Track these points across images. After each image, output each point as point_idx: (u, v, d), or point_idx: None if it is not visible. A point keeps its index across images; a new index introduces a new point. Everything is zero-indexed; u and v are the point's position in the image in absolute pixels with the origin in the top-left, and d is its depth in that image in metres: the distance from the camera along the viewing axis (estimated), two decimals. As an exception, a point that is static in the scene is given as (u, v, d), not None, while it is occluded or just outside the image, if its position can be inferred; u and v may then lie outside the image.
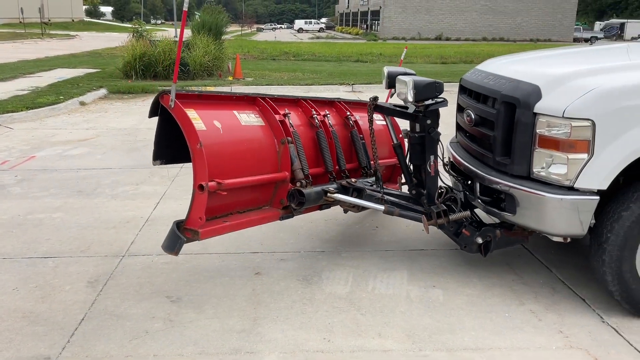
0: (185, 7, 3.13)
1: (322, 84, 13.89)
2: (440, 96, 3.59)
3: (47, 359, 2.78)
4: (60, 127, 8.68)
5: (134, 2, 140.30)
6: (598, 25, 74.31)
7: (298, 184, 3.54)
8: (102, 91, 12.40)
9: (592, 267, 3.24)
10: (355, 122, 4.27)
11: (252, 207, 3.50)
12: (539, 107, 3.13)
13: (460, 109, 4.10)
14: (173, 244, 3.09)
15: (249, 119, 3.52)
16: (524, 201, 3.21)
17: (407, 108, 3.75)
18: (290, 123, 3.66)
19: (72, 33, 53.75)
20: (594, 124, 2.96)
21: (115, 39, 42.89)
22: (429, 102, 3.54)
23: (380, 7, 60.47)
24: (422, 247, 4.21)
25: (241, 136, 3.39)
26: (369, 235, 4.43)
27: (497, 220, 3.65)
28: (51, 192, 5.46)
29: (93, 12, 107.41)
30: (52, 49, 27.99)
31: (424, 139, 3.66)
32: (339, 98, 4.54)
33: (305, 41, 45.29)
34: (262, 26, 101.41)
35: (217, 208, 3.28)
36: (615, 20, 70.88)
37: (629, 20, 67.96)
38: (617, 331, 3.07)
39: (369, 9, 67.04)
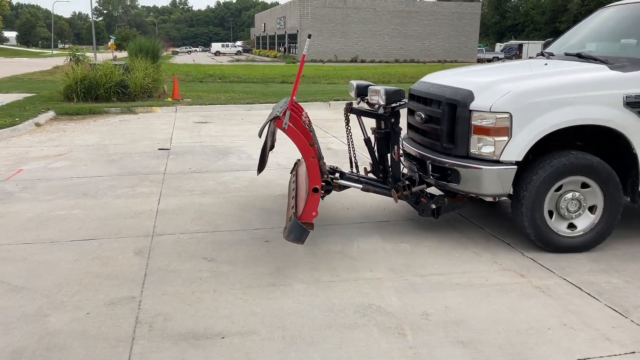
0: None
1: (261, 103, 15.00)
2: (402, 101, 4.86)
3: (134, 298, 3.72)
4: (29, 146, 9.26)
5: (40, 27, 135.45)
6: (499, 46, 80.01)
7: (325, 176, 4.62)
8: (51, 113, 12.85)
9: (514, 218, 4.59)
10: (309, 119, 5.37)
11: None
12: (473, 106, 4.46)
13: (411, 112, 5.38)
14: (300, 235, 3.97)
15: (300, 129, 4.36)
16: (465, 174, 4.50)
17: (375, 111, 4.99)
18: (308, 124, 4.71)
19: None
20: (511, 116, 4.31)
21: (31, 64, 41.90)
22: (395, 105, 4.80)
23: (298, 31, 62.51)
24: (387, 219, 5.42)
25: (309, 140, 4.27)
26: (345, 214, 5.60)
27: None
28: (59, 195, 6.24)
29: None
30: (-31, 75, 27.28)
31: (389, 134, 4.92)
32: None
33: (226, 64, 46.21)
34: (177, 49, 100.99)
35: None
36: (514, 42, 76.62)
37: (525, 42, 73.76)
38: (534, 260, 4.40)
39: (285, 32, 68.97)
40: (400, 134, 4.94)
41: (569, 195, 4.45)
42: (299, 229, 4.03)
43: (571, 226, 4.52)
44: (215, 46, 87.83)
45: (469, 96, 4.49)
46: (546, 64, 5.14)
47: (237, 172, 7.35)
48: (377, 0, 63.14)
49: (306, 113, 5.30)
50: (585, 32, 5.78)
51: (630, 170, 4.49)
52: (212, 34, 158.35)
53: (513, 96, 4.33)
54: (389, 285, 3.93)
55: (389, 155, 5.03)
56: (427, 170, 4.88)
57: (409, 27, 64.40)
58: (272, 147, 5.49)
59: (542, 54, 5.85)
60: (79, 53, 17.99)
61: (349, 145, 5.20)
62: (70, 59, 17.68)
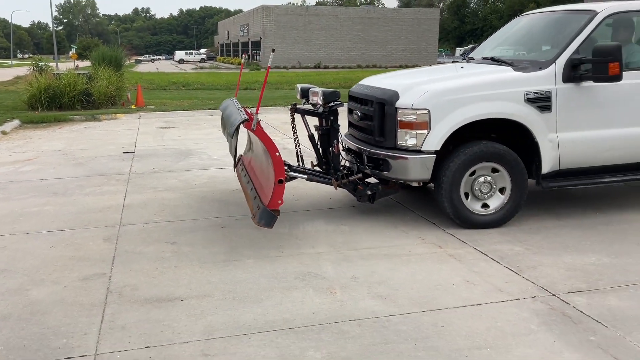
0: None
1: (223, 108, 15.55)
2: (338, 101, 5.55)
3: (104, 274, 4.30)
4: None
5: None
6: (459, 50, 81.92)
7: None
8: (16, 122, 13.17)
9: (436, 200, 5.31)
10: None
11: None
12: (398, 104, 5.16)
13: (350, 111, 6.07)
14: (270, 220, 4.58)
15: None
16: (394, 163, 5.20)
17: (316, 110, 5.67)
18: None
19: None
20: (429, 112, 5.03)
21: (-10, 75, 41.22)
22: (332, 104, 5.48)
23: (261, 38, 63.12)
24: (331, 207, 6.09)
25: None
26: (295, 203, 6.25)
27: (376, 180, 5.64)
28: (30, 195, 6.73)
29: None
30: None
31: (329, 130, 5.60)
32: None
33: (190, 72, 46.51)
34: (140, 58, 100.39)
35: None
36: (472, 46, 78.69)
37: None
38: (452, 235, 5.12)
39: (249, 39, 69.49)
40: (338, 130, 5.62)
41: (482, 179, 5.19)
42: (268, 215, 4.66)
43: (485, 205, 5.27)
44: (179, 54, 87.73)
45: (395, 96, 5.20)
46: (462, 67, 5.91)
47: (198, 171, 7.93)
48: (339, 7, 64.39)
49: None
50: (501, 38, 6.58)
51: (534, 157, 5.26)
52: (175, 42, 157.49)
53: (431, 95, 5.06)
54: (326, 258, 4.59)
55: (330, 149, 5.70)
56: (363, 161, 5.57)
57: (370, 33, 65.64)
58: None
59: (464, 58, 6.63)
60: (42, 63, 18.19)
61: (295, 140, 5.86)
62: (34, 68, 17.89)
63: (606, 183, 5.52)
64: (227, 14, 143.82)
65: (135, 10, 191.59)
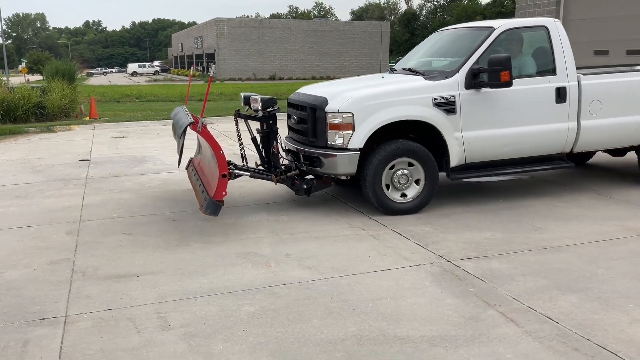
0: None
1: (176, 119, 16.11)
2: (275, 107, 6.31)
3: (69, 259, 4.91)
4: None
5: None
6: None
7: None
8: (-30, 134, 13.43)
9: (362, 191, 6.11)
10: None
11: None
12: (327, 109, 5.96)
13: (289, 116, 6.84)
14: (215, 209, 5.28)
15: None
16: (325, 160, 5.99)
17: (257, 115, 6.41)
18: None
19: None
20: (353, 115, 5.83)
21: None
22: (270, 109, 6.24)
23: (215, 50, 63.53)
24: (274, 201, 6.83)
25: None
26: (242, 199, 6.95)
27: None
28: (-7, 198, 7.22)
29: None
30: None
31: (269, 132, 6.35)
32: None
33: (143, 84, 46.61)
34: (92, 70, 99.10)
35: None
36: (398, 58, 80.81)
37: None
38: (376, 220, 5.93)
39: (203, 51, 69.76)
40: (277, 132, 6.39)
41: (400, 172, 6.03)
42: (214, 205, 5.37)
43: (403, 195, 6.11)
44: (132, 67, 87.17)
45: (325, 102, 6.00)
46: (383, 77, 6.78)
47: (152, 175, 8.55)
48: (292, 20, 65.46)
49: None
50: (421, 51, 7.48)
51: (444, 153, 6.14)
52: (128, 55, 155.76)
53: (354, 101, 5.88)
54: (266, 241, 5.33)
55: (271, 149, 6.46)
56: (300, 159, 6.34)
57: (323, 46, 66.94)
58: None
59: (389, 69, 7.50)
60: (-6, 77, 18.32)
61: (239, 143, 6.59)
62: (-14, 83, 18.04)
63: (506, 174, 6.46)
64: (181, 26, 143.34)
65: (87, 23, 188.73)
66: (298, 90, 6.95)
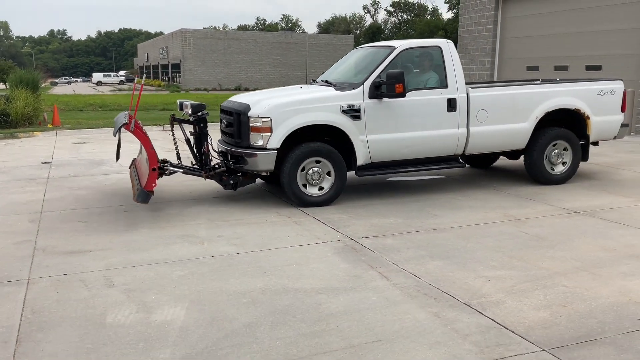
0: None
1: (137, 126, 16.86)
2: (204, 112, 7.27)
3: (31, 240, 5.74)
4: None
5: None
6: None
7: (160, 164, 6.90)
8: None
9: (282, 186, 7.07)
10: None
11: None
12: (249, 114, 6.91)
13: (221, 121, 7.75)
14: (145, 198, 6.18)
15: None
16: (248, 158, 6.91)
17: (189, 119, 7.36)
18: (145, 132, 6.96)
19: None
20: (271, 119, 6.80)
21: None
22: (200, 114, 7.18)
23: (180, 61, 64.03)
24: (216, 196, 7.74)
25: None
26: (188, 194, 7.84)
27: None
28: (-39, 194, 7.95)
29: None
30: None
31: (201, 134, 7.28)
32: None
33: (107, 94, 46.92)
34: (57, 80, 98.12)
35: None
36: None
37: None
38: (301, 210, 6.89)
39: (169, 62, 70.13)
40: (207, 134, 7.32)
41: (312, 169, 7.01)
42: (144, 194, 6.26)
43: (321, 188, 7.09)
44: (97, 76, 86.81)
45: (248, 108, 6.99)
46: (301, 87, 7.84)
47: (109, 175, 9.38)
48: (257, 32, 66.47)
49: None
50: (340, 66, 8.54)
51: (352, 153, 7.14)
52: (93, 64, 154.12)
53: (272, 107, 6.88)
54: (203, 226, 6.24)
55: (202, 149, 7.38)
56: (228, 158, 7.27)
57: (289, 57, 68.06)
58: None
59: (312, 82, 8.50)
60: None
61: (174, 143, 7.50)
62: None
63: (405, 172, 7.79)
64: (148, 36, 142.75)
65: (51, 32, 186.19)
66: (229, 99, 7.90)
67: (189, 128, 7.58)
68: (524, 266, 4.87)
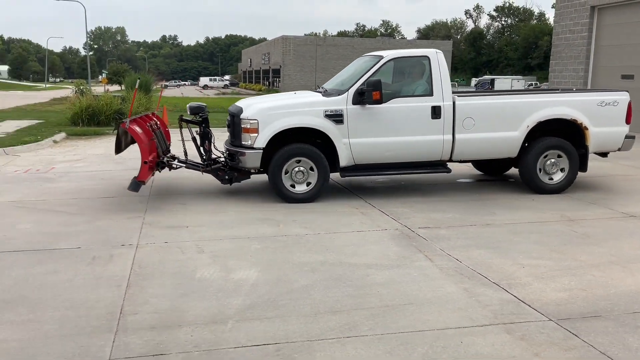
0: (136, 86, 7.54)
1: (235, 127, 18.35)
2: (203, 113, 8.19)
3: (141, 216, 6.90)
4: (53, 155, 12.44)
5: (32, 61, 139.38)
6: (474, 80, 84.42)
7: (161, 158, 7.99)
8: (63, 134, 16.04)
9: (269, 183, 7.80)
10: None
11: (151, 169, 7.64)
12: (242, 116, 7.69)
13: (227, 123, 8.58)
14: (136, 187, 7.17)
15: (139, 128, 7.62)
16: (240, 156, 7.64)
17: (194, 120, 8.34)
18: (150, 129, 7.93)
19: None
20: (258, 121, 7.54)
21: (28, 97, 44.91)
22: (200, 114, 8.16)
23: (280, 66, 66.58)
24: (212, 191, 8.65)
25: (147, 136, 7.57)
26: (180, 187, 8.81)
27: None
28: (85, 179, 9.43)
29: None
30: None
31: (204, 133, 8.25)
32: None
33: (212, 96, 49.85)
34: (167, 83, 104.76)
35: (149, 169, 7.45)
36: (487, 77, 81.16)
37: (497, 77, 78.32)
38: (370, 204, 7.63)
39: (270, 67, 73.05)
40: (209, 133, 8.24)
41: (296, 168, 7.65)
42: (135, 184, 7.20)
43: (308, 184, 7.75)
44: (204, 80, 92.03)
45: (241, 110, 7.82)
46: (295, 94, 8.73)
47: (207, 168, 10.57)
48: (355, 38, 67.63)
49: (157, 123, 8.57)
50: (341, 74, 9.03)
51: (335, 154, 7.70)
52: (201, 69, 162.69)
53: (259, 110, 7.65)
54: (281, 213, 7.15)
55: (203, 146, 8.32)
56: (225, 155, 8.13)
57: (385, 63, 68.62)
58: (129, 142, 8.52)
59: (319, 87, 9.04)
60: (83, 87, 21.27)
61: (182, 142, 8.57)
62: (76, 91, 20.97)
63: (387, 174, 8.31)
64: (252, 42, 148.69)
65: (163, 38, 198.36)
66: (235, 103, 8.67)
67: (188, 127, 8.55)
68: (560, 258, 5.34)
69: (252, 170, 7.87)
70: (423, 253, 5.48)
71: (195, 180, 9.33)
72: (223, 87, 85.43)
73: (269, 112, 7.61)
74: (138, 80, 7.56)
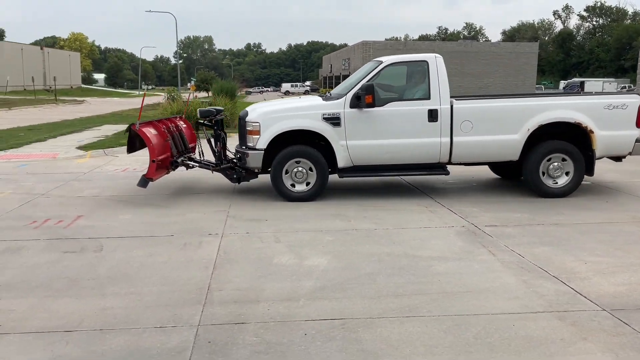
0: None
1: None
2: (212, 116, 8.72)
3: (226, 210, 7.56)
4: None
5: (126, 70, 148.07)
6: (562, 83, 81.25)
7: (174, 158, 8.57)
8: (156, 137, 17.28)
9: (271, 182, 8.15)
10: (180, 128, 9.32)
11: (162, 167, 8.30)
12: (247, 119, 8.17)
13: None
14: (144, 183, 7.86)
15: (154, 130, 8.28)
16: (245, 157, 8.09)
17: (206, 122, 8.89)
18: (165, 131, 8.53)
19: (78, 98, 59.23)
20: (260, 124, 7.95)
21: (122, 103, 47.92)
22: (208, 118, 8.75)
23: (360, 71, 67.09)
24: (365, 188, 9.06)
25: (160, 137, 8.22)
26: (261, 186, 9.27)
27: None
28: (176, 178, 10.27)
29: (87, 79, 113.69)
30: (76, 112, 33.05)
31: (217, 135, 8.76)
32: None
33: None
34: (250, 89, 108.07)
35: (158, 168, 8.07)
36: (576, 79, 77.94)
37: (587, 79, 75.06)
38: (440, 203, 7.90)
39: (349, 72, 73.68)
40: (220, 135, 8.77)
41: (296, 168, 8.01)
42: (143, 180, 7.90)
43: (308, 184, 8.09)
44: (285, 86, 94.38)
45: (246, 114, 8.32)
46: (300, 98, 9.15)
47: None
48: (437, 42, 66.94)
49: (175, 126, 9.17)
50: (348, 79, 9.23)
51: (333, 155, 7.98)
52: (283, 75, 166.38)
53: (261, 113, 8.13)
54: (352, 209, 7.57)
55: (215, 147, 8.86)
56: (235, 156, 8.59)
57: (467, 66, 67.43)
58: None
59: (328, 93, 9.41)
60: (174, 93, 22.74)
61: (198, 143, 9.37)
62: (168, 97, 22.47)
63: (385, 175, 8.57)
64: (333, 48, 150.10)
65: (248, 46, 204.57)
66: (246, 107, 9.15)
67: (203, 130, 9.31)
68: (624, 256, 5.43)
69: (256, 170, 8.30)
70: (487, 248, 5.73)
71: (275, 179, 9.95)
72: (304, 93, 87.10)
73: (269, 116, 8.06)
74: (145, 88, 8.64)
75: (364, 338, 3.76)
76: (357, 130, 7.91)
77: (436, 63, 8.06)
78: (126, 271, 5.16)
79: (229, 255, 5.58)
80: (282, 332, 3.85)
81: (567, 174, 8.07)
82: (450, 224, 6.73)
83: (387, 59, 8.25)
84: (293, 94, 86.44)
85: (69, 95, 65.58)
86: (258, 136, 7.97)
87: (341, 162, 8.02)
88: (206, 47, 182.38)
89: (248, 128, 8.12)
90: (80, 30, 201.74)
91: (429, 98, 7.98)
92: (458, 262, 5.30)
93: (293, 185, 8.09)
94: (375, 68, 8.14)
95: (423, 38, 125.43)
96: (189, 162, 8.97)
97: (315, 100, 8.57)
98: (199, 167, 9.02)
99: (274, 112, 8.14)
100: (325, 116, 7.93)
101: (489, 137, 7.97)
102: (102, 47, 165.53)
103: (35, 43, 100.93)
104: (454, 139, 7.97)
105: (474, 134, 7.96)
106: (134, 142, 8.52)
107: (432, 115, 7.91)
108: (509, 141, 7.99)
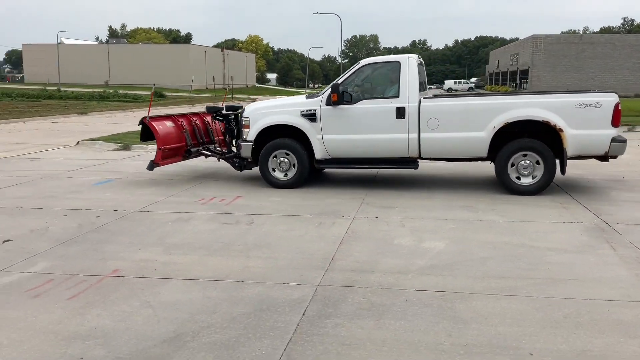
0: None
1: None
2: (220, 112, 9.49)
3: (361, 197, 8.25)
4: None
5: (295, 69, 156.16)
6: None
7: (188, 147, 9.49)
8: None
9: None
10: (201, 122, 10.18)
11: (175, 155, 9.23)
12: (243, 114, 8.77)
13: None
14: (151, 167, 8.98)
15: (170, 124, 9.30)
16: (240, 148, 8.82)
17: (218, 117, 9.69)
18: (182, 125, 9.42)
19: (252, 97, 64.19)
20: (250, 119, 8.68)
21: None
22: (216, 113, 9.57)
23: (529, 67, 63.88)
24: (424, 181, 9.15)
25: (168, 129, 9.11)
26: (397, 176, 9.46)
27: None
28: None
29: (260, 79, 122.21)
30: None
31: (228, 129, 9.50)
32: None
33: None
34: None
35: (165, 155, 8.96)
36: None
37: None
38: (577, 200, 7.81)
39: (517, 68, 70.51)
40: (229, 128, 9.57)
41: (281, 159, 8.77)
42: (151, 164, 9.05)
43: (289, 174, 8.87)
44: (448, 83, 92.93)
45: (243, 110, 8.95)
46: (293, 97, 9.47)
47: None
48: (617, 35, 61.35)
49: (200, 120, 10.18)
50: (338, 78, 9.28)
51: (310, 148, 8.70)
52: (448, 72, 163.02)
53: (251, 110, 9.04)
54: (483, 202, 7.81)
55: (225, 140, 9.73)
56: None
57: (654, 61, 60.99)
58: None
59: None
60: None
61: (212, 135, 10.14)
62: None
63: (358, 167, 9.17)
64: (502, 42, 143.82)
65: (413, 43, 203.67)
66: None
67: (216, 124, 10.35)
68: None
69: (249, 160, 9.16)
70: (609, 243, 5.73)
71: (412, 172, 10.44)
72: (467, 90, 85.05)
73: (257, 112, 8.96)
74: (154, 87, 10.12)
75: (458, 308, 4.20)
76: (331, 125, 8.61)
77: (407, 64, 8.53)
78: (268, 241, 6.07)
79: (356, 234, 6.25)
80: (386, 296, 4.43)
81: (537, 172, 8.14)
82: (580, 220, 6.72)
83: (365, 60, 8.99)
84: (456, 90, 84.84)
85: (244, 94, 71.21)
86: (248, 129, 8.93)
87: (318, 155, 8.76)
88: (371, 45, 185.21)
89: (242, 122, 9.08)
90: (257, 32, 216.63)
91: (397, 96, 8.45)
92: (574, 254, 5.41)
93: (279, 174, 8.92)
94: (351, 68, 8.86)
95: (604, 31, 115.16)
96: (203, 151, 10.05)
97: (299, 98, 9.31)
98: (210, 155, 10.06)
99: (261, 109, 9.05)
100: (303, 112, 8.72)
101: (455, 134, 8.29)
102: (276, 48, 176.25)
103: (217, 45, 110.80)
104: (422, 135, 8.38)
105: (440, 130, 8.30)
106: (150, 132, 9.74)
107: (400, 112, 8.37)
108: (475, 138, 8.22)
